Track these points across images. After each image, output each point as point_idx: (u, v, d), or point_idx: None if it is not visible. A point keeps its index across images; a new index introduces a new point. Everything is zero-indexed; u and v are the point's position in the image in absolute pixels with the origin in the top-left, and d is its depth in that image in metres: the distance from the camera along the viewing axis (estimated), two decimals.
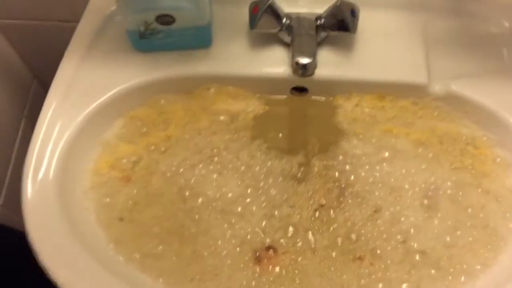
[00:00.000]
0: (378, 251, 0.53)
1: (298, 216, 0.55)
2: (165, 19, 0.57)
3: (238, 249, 0.53)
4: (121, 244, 0.54)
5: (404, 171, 0.57)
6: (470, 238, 0.53)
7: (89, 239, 0.53)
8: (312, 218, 0.55)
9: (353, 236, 0.54)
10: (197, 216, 0.55)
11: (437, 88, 0.60)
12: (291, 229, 0.54)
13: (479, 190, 0.56)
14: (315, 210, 0.55)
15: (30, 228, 0.52)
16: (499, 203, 0.55)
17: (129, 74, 0.61)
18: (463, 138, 0.59)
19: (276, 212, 0.55)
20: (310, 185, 0.57)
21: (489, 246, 0.53)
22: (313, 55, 0.56)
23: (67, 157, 0.56)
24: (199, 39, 0.61)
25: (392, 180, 0.57)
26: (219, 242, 0.53)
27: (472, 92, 0.58)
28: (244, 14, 0.61)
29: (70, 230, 0.52)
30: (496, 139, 0.58)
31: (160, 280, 0.52)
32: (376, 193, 0.56)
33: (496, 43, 0.62)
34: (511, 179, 0.56)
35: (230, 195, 0.56)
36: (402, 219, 0.55)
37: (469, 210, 0.55)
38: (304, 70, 0.56)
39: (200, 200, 0.56)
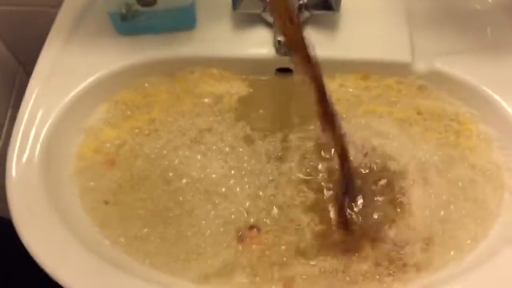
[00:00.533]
0: None
1: (282, 197, 0.55)
2: (147, 1, 0.56)
3: (221, 229, 0.53)
4: (106, 227, 0.54)
5: (389, 147, 0.57)
6: (463, 212, 0.54)
7: (74, 223, 0.53)
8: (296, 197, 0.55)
9: None
10: (181, 198, 0.55)
11: (421, 66, 0.59)
12: (275, 209, 0.54)
13: (466, 164, 0.56)
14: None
15: (15, 212, 0.52)
16: (486, 177, 0.55)
17: (112, 58, 0.60)
18: (447, 114, 0.59)
19: (260, 193, 0.55)
20: (291, 162, 0.57)
21: (478, 220, 0.53)
22: None
23: (51, 141, 0.56)
24: (182, 20, 0.61)
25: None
26: (203, 222, 0.53)
27: (455, 69, 0.58)
28: None
29: (55, 213, 0.52)
30: (480, 115, 0.58)
31: (147, 261, 0.52)
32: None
33: (479, 20, 0.62)
34: (495, 153, 0.56)
35: (214, 176, 0.56)
36: None
37: (460, 183, 0.55)
38: (286, 49, 0.56)
39: (184, 181, 0.56)
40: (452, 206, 0.54)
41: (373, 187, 0.56)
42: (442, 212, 0.54)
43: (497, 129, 0.57)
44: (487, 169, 0.56)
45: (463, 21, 0.62)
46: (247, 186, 0.56)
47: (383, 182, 0.56)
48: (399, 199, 0.55)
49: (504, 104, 0.56)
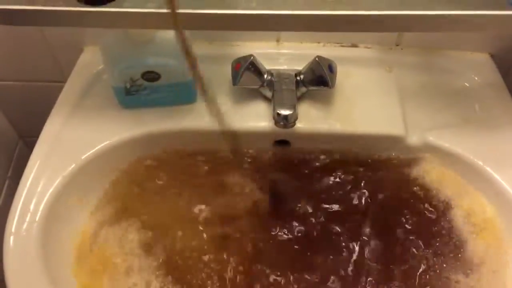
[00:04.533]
0: None
1: None
2: (151, 76, 0.59)
3: None
4: None
5: None
6: None
7: None
8: None
9: None
10: None
11: (414, 139, 0.62)
12: None
13: None
14: None
15: (11, 285, 0.51)
16: None
17: (114, 131, 0.62)
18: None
19: None
20: None
21: None
22: (293, 107, 0.58)
23: (51, 213, 0.56)
24: (184, 95, 0.63)
25: None
26: None
27: (447, 142, 0.61)
28: (227, 71, 0.63)
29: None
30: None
31: None
32: None
33: (467, 96, 0.65)
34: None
35: None
36: None
37: None
38: (285, 121, 0.58)
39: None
40: None
41: None
42: None
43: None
44: None
45: (452, 97, 0.65)
46: None
47: None
48: None
49: (494, 174, 0.58)
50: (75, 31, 0.69)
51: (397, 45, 0.69)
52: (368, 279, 0.55)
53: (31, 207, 0.55)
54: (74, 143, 0.61)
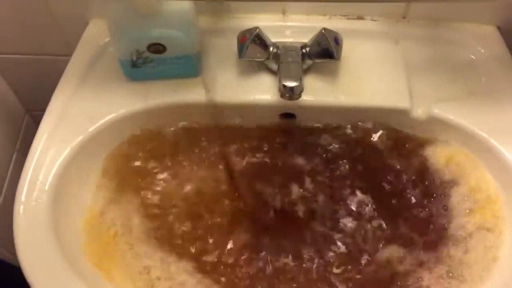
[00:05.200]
0: None
1: None
2: (157, 48, 0.59)
3: None
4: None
5: None
6: None
7: (82, 269, 0.53)
8: None
9: None
10: None
11: (419, 112, 0.62)
12: None
13: None
14: None
15: (22, 253, 0.52)
16: None
17: (121, 103, 0.62)
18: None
19: None
20: None
21: None
22: (299, 79, 0.58)
23: (60, 184, 0.57)
24: (190, 67, 0.63)
25: None
26: None
27: (452, 115, 0.61)
28: (233, 44, 0.63)
29: (62, 256, 0.52)
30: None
31: None
32: None
33: (474, 69, 0.65)
34: None
35: None
36: None
37: None
38: (291, 93, 0.58)
39: None
40: None
41: None
42: None
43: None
44: None
45: (458, 69, 0.65)
46: None
47: None
48: None
49: (499, 147, 0.58)
50: (81, 3, 0.69)
51: (404, 18, 0.69)
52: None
53: (40, 177, 0.56)
54: (81, 115, 0.61)
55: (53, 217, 0.54)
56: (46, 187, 0.56)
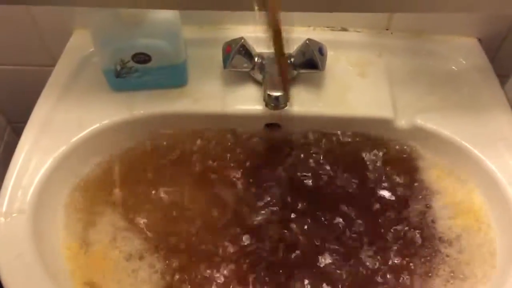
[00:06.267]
0: None
1: None
2: (141, 58, 0.59)
3: None
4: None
5: None
6: None
7: (61, 278, 0.53)
8: None
9: None
10: None
11: (403, 122, 0.62)
12: None
13: None
14: None
15: (1, 264, 0.51)
16: None
17: (105, 113, 0.62)
18: None
19: None
20: None
21: None
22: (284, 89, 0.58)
23: (42, 195, 0.56)
24: (175, 77, 0.63)
25: None
26: None
27: (435, 125, 0.61)
28: (218, 54, 0.63)
29: (43, 269, 0.51)
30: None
31: None
32: None
33: (456, 80, 0.66)
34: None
35: None
36: None
37: None
38: (276, 102, 0.58)
39: None
40: None
41: None
42: None
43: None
44: None
45: (440, 80, 0.66)
46: None
47: None
48: None
49: (481, 156, 0.59)
50: (65, 13, 0.69)
51: (387, 29, 0.70)
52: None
53: (22, 188, 0.55)
54: (64, 126, 0.61)
55: (34, 228, 0.53)
56: (28, 198, 0.55)
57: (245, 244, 0.57)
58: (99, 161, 0.62)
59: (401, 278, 0.54)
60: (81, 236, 0.57)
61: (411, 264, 0.55)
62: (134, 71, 0.61)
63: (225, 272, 0.55)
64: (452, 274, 0.54)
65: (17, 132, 0.89)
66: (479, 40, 0.70)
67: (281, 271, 0.55)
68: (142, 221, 0.58)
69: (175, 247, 0.56)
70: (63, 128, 0.60)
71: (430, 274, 0.54)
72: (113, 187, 0.60)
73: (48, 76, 0.66)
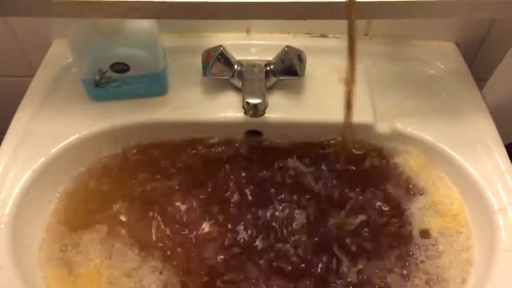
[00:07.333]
0: None
1: None
2: (120, 67, 0.59)
3: None
4: None
5: None
6: None
7: None
8: None
9: None
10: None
11: (383, 126, 0.63)
12: None
13: None
14: None
15: None
16: None
17: (84, 123, 0.61)
18: None
19: None
20: None
21: None
22: (263, 95, 0.59)
23: (21, 208, 0.55)
24: (154, 86, 0.63)
25: None
26: None
27: (415, 129, 0.62)
28: (197, 62, 0.63)
29: (21, 282, 0.51)
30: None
31: None
32: None
33: (434, 84, 0.67)
34: None
35: None
36: None
37: None
38: (255, 110, 0.58)
39: None
40: None
41: None
42: None
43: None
44: None
45: (419, 84, 0.67)
46: None
47: None
48: None
49: (460, 159, 0.59)
50: (44, 23, 0.68)
51: (366, 35, 0.71)
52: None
53: (0, 201, 0.54)
54: (44, 136, 0.60)
55: (13, 242, 0.53)
56: (6, 211, 0.54)
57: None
58: (79, 172, 0.61)
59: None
60: (61, 249, 0.56)
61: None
62: (113, 80, 0.60)
63: None
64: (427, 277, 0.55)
65: None
66: (457, 44, 0.71)
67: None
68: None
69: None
70: (42, 139, 0.60)
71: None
72: (95, 199, 0.60)
73: (27, 87, 0.65)
